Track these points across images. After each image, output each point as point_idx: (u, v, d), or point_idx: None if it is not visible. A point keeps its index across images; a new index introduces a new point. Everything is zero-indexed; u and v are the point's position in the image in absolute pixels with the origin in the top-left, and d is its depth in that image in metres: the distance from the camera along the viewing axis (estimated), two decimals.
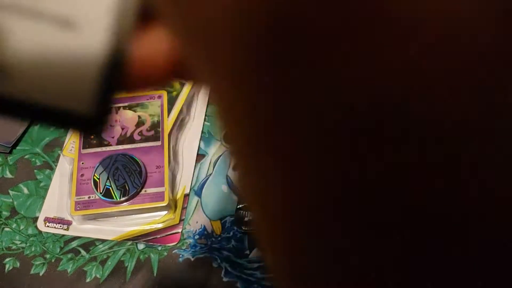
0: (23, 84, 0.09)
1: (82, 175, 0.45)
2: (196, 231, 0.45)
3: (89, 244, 0.45)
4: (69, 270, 0.44)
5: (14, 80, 0.09)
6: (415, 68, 0.08)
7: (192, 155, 0.48)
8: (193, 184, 0.47)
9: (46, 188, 0.48)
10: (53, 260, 0.45)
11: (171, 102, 0.49)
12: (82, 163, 0.46)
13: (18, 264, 0.45)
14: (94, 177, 0.45)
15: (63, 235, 0.46)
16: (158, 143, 0.47)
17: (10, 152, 0.50)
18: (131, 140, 0.47)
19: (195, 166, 0.48)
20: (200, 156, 0.48)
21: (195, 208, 0.46)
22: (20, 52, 0.09)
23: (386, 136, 0.08)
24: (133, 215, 0.45)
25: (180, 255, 0.44)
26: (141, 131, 0.47)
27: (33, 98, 0.09)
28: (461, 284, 0.09)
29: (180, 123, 0.49)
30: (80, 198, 0.45)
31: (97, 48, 0.09)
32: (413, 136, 0.08)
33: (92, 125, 0.09)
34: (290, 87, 0.08)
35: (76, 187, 0.45)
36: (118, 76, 0.09)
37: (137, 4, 0.09)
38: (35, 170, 0.49)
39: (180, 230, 0.45)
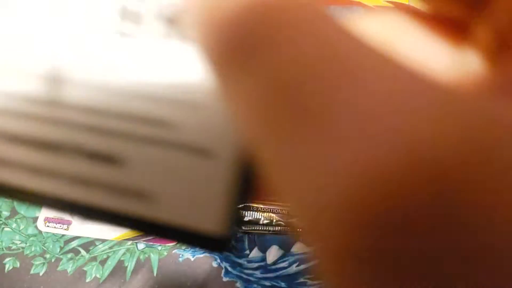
0: (163, 208, 0.10)
1: None
2: None
3: (89, 244, 0.45)
4: (69, 270, 0.44)
5: (155, 204, 0.10)
6: None
7: None
8: None
9: None
10: (53, 260, 0.45)
11: None
12: None
13: (18, 264, 0.45)
14: None
15: (63, 235, 0.46)
16: None
17: None
18: None
19: None
20: None
21: None
22: (162, 179, 0.10)
23: None
24: None
25: (180, 255, 0.44)
26: None
27: (172, 221, 0.10)
28: None
29: None
30: None
31: (229, 174, 0.10)
32: None
33: (223, 243, 0.10)
34: None
35: None
36: (247, 197, 0.10)
37: None
38: None
39: None
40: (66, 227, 0.46)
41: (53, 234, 0.46)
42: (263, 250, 0.45)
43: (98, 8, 0.10)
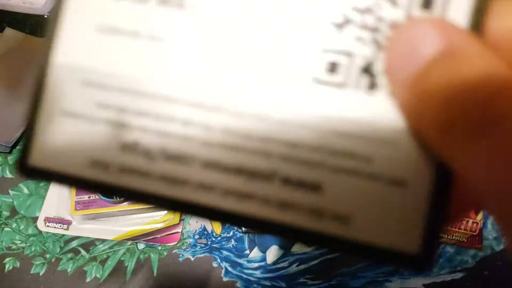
0: (364, 231, 0.12)
1: None
2: (196, 230, 0.45)
3: (89, 244, 0.45)
4: (69, 270, 0.44)
5: (356, 227, 0.12)
6: None
7: None
8: None
9: (46, 188, 0.48)
10: (53, 260, 0.45)
11: None
12: None
13: (18, 264, 0.45)
14: None
15: (63, 235, 0.46)
16: None
17: (10, 152, 0.50)
18: None
19: None
20: None
21: None
22: (361, 204, 0.12)
23: None
24: (133, 215, 0.46)
25: (180, 255, 0.44)
26: None
27: (373, 242, 0.12)
28: None
29: None
30: (80, 198, 0.45)
31: (424, 200, 0.11)
32: None
33: (424, 263, 0.12)
34: None
35: None
36: (445, 217, 0.12)
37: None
38: None
39: (180, 230, 0.45)
40: (66, 227, 0.46)
41: (53, 234, 0.46)
42: (263, 250, 0.45)
43: (302, 56, 0.12)
